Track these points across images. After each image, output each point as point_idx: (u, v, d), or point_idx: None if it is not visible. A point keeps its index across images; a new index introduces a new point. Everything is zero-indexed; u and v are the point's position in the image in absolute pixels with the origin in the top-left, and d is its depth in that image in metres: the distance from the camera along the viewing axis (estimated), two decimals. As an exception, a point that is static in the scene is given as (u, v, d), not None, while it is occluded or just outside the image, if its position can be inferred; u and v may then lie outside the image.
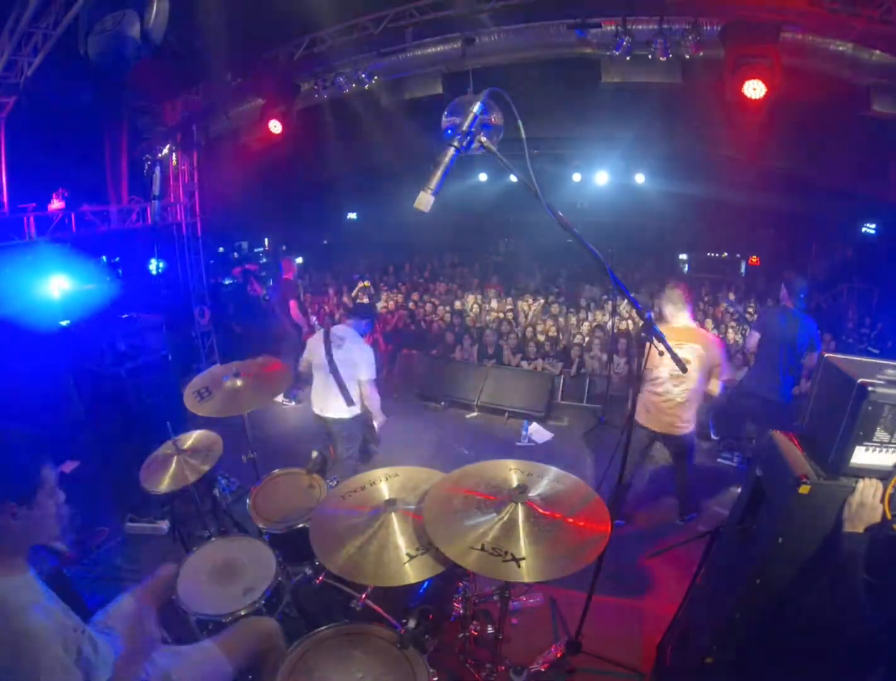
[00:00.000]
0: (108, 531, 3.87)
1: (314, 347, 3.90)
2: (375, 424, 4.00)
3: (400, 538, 2.05)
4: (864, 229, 9.50)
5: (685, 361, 3.18)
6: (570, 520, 1.96)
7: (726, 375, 3.74)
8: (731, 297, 9.41)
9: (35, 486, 1.40)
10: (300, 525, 2.63)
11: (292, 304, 6.34)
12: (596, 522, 1.97)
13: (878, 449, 1.64)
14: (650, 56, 4.77)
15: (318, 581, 2.35)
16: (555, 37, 5.08)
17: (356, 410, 3.86)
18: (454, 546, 1.86)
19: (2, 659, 1.23)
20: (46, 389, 4.21)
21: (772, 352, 4.51)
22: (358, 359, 3.75)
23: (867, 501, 1.62)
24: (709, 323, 8.09)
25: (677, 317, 3.67)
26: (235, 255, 11.62)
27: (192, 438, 3.11)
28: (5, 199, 5.16)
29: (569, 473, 2.21)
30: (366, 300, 9.01)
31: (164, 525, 3.89)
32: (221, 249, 11.07)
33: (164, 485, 2.83)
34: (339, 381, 3.76)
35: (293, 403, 6.59)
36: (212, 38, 4.71)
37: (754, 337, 4.66)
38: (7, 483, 1.36)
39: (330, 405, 3.86)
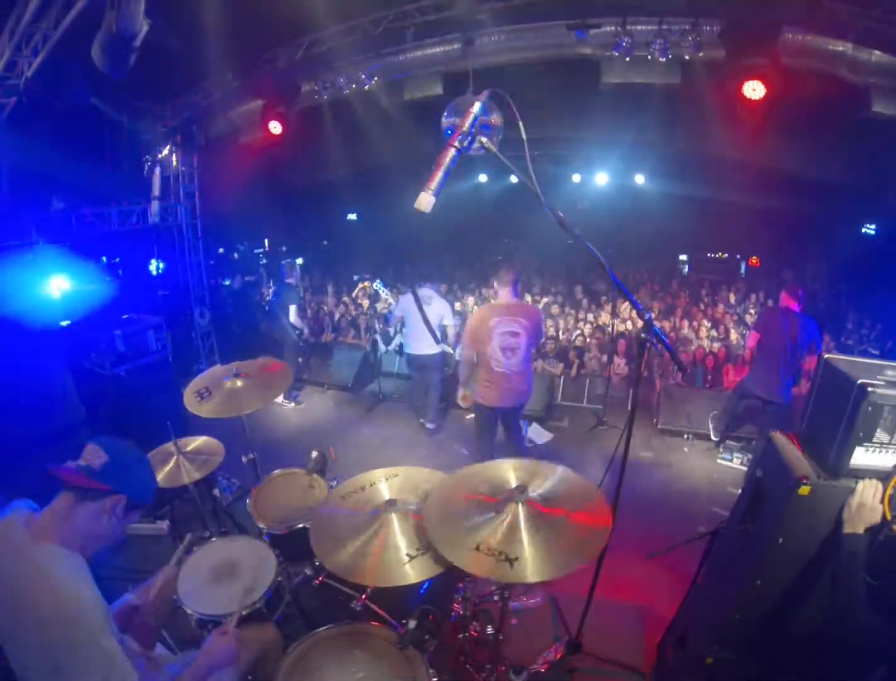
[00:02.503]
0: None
1: (408, 307, 5.37)
2: (454, 351, 5.63)
3: (400, 539, 2.05)
4: (864, 229, 9.51)
5: (512, 332, 3.93)
6: (571, 520, 1.96)
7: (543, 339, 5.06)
8: (732, 298, 9.40)
9: (140, 505, 1.65)
10: (300, 525, 2.63)
11: (291, 308, 6.31)
12: (597, 518, 1.96)
13: (877, 450, 1.64)
14: (650, 57, 4.78)
15: (318, 581, 2.35)
16: (555, 37, 5.09)
17: (441, 346, 5.44)
18: (455, 550, 1.85)
19: (61, 628, 1.34)
20: (46, 390, 4.20)
21: (772, 353, 4.51)
22: (443, 310, 5.38)
23: (867, 502, 1.62)
24: (706, 323, 8.09)
25: (503, 293, 4.05)
26: (235, 255, 11.62)
27: (195, 442, 3.12)
28: (6, 199, 5.16)
29: (570, 471, 2.20)
30: (366, 302, 9.01)
31: (164, 525, 3.89)
32: (221, 250, 11.08)
33: (160, 481, 2.83)
34: (430, 327, 5.28)
35: (293, 403, 6.59)
36: (212, 38, 4.71)
37: (753, 337, 4.66)
38: (137, 484, 1.62)
39: (423, 345, 5.39)
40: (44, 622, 1.34)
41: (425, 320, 5.25)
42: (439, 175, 1.64)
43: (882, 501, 1.62)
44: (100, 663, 1.36)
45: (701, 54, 4.68)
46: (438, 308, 5.33)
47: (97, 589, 1.51)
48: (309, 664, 1.84)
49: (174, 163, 7.02)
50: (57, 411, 4.10)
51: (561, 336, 7.83)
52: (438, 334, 5.34)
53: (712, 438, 5.48)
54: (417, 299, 5.26)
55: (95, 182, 6.16)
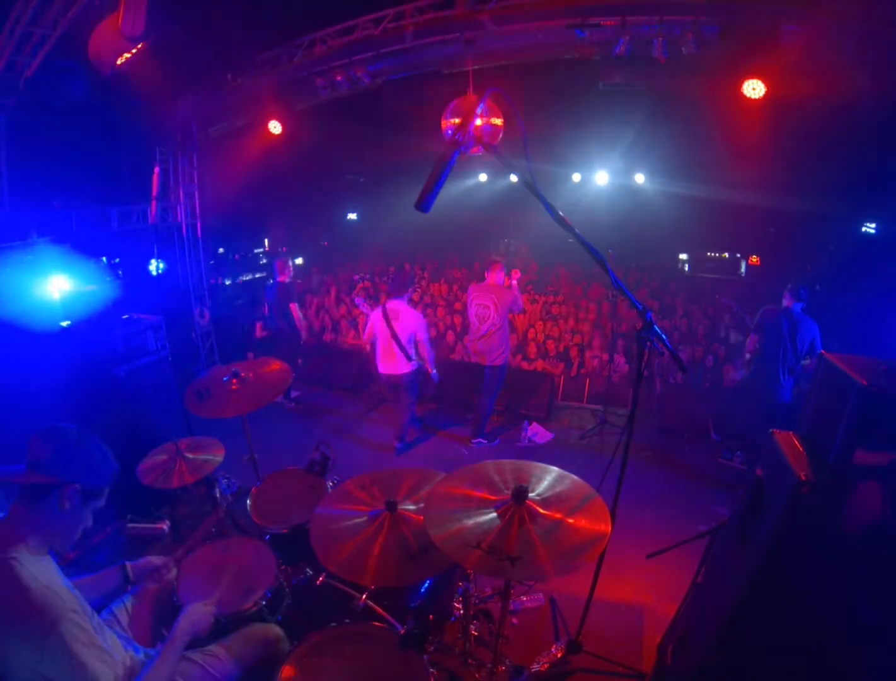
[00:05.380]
0: (109, 530, 3.87)
1: (376, 323, 4.97)
2: (431, 370, 5.10)
3: (400, 539, 2.05)
4: (864, 229, 9.50)
5: (484, 305, 5.04)
6: (570, 520, 1.96)
7: (520, 307, 5.34)
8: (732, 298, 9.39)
9: (98, 490, 1.57)
10: (300, 525, 2.63)
11: (293, 306, 6.30)
12: (596, 522, 1.96)
13: (878, 449, 1.64)
14: (650, 56, 4.77)
15: (318, 581, 2.35)
16: (555, 37, 5.08)
17: (414, 364, 4.99)
18: (452, 545, 1.85)
19: (39, 635, 1.33)
20: (46, 390, 4.20)
21: (772, 353, 4.51)
22: (414, 326, 4.88)
23: (866, 501, 1.62)
24: (706, 322, 8.09)
25: (489, 277, 5.19)
26: (236, 256, 11.62)
27: (195, 442, 3.13)
28: (6, 199, 5.16)
29: (569, 474, 2.20)
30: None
31: (165, 525, 3.89)
32: (221, 250, 11.08)
33: (160, 481, 2.88)
34: (400, 344, 4.86)
35: (293, 403, 6.58)
36: (212, 38, 4.71)
37: (753, 340, 4.67)
38: (86, 468, 1.53)
39: (395, 364, 4.95)
40: (19, 632, 1.32)
41: (395, 337, 4.85)
42: (439, 175, 1.64)
43: (882, 501, 1.62)
44: (80, 659, 1.36)
45: (701, 53, 4.67)
46: (409, 323, 4.87)
47: (72, 586, 1.49)
48: (310, 664, 1.84)
49: (174, 163, 7.02)
50: (56, 413, 4.10)
51: (562, 335, 7.83)
52: (411, 351, 4.94)
53: (713, 437, 5.48)
54: (386, 315, 4.89)
55: (95, 182, 6.16)
